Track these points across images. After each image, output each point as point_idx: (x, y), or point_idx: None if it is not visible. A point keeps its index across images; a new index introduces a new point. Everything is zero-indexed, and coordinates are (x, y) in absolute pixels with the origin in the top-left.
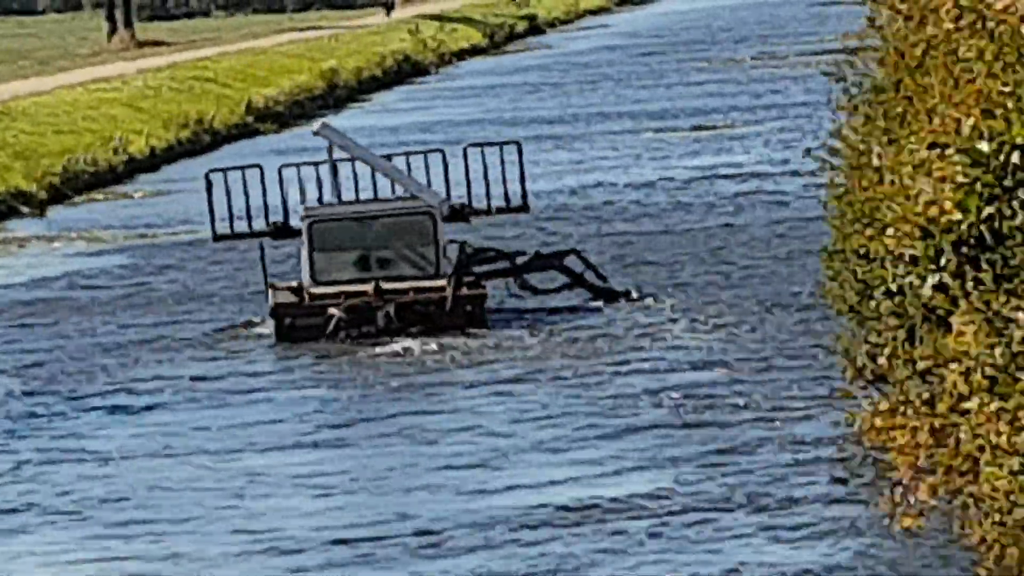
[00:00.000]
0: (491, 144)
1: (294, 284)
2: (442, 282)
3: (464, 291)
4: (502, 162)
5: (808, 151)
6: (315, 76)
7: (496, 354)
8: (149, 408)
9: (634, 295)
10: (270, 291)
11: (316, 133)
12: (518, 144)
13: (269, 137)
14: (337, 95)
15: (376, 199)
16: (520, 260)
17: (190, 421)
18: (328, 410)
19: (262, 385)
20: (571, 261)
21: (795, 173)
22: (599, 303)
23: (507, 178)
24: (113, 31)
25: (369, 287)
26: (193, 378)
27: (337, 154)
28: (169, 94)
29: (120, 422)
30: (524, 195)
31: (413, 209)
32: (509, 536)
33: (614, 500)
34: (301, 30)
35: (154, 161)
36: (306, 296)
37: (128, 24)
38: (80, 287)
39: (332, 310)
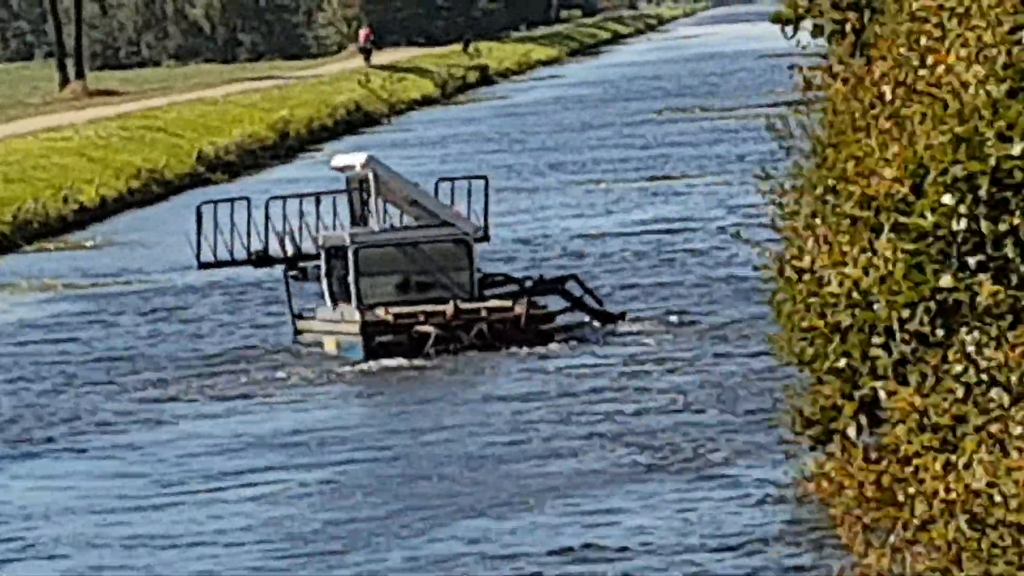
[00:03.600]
0: (461, 178)
1: (319, 311)
2: (508, 303)
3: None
4: (469, 195)
5: (738, 233)
6: (266, 126)
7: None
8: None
9: (628, 317)
10: (296, 320)
11: (363, 166)
12: (485, 179)
13: (221, 186)
14: (288, 145)
15: (413, 227)
16: (527, 284)
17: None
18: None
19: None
20: (571, 286)
21: (753, 223)
22: (596, 324)
23: (472, 209)
24: (65, 81)
25: (448, 307)
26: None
27: (384, 186)
28: (120, 143)
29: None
30: (486, 226)
31: (450, 236)
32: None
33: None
34: (253, 80)
35: (105, 210)
36: (390, 317)
37: (79, 74)
38: (29, 336)
39: (427, 328)
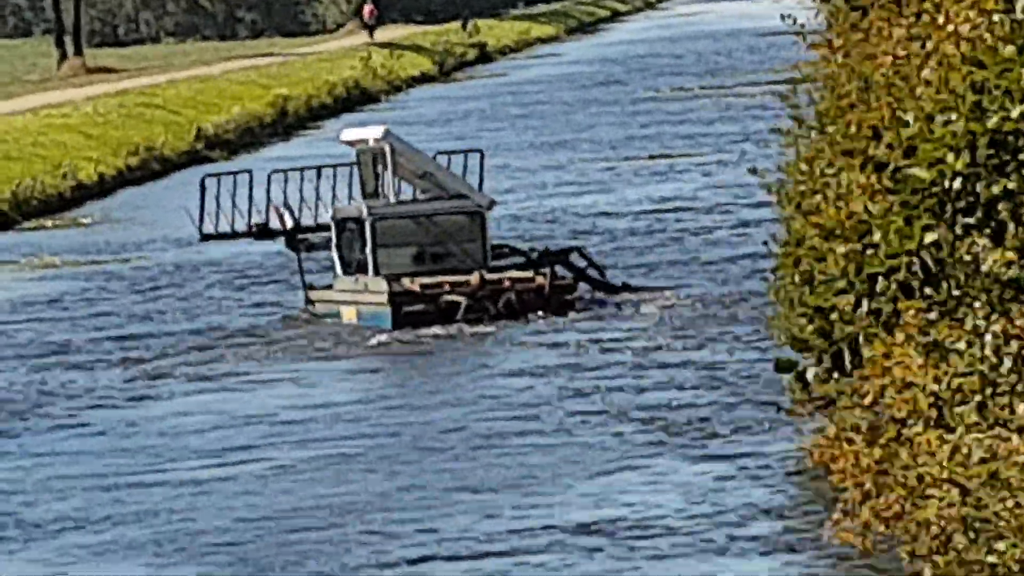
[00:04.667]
0: (457, 152)
1: (336, 281)
2: (529, 273)
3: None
4: (464, 169)
5: (754, 170)
6: (265, 103)
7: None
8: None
9: (631, 287)
10: (308, 291)
11: (379, 140)
12: (481, 152)
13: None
14: (287, 122)
15: (428, 199)
16: (532, 255)
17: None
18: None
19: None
20: (575, 257)
21: (752, 203)
22: (600, 294)
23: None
24: (63, 58)
25: (474, 277)
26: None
27: (400, 158)
28: (118, 121)
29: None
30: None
31: (463, 208)
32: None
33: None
34: (252, 57)
35: (103, 188)
36: (417, 286)
37: (78, 51)
38: (29, 313)
39: (455, 297)
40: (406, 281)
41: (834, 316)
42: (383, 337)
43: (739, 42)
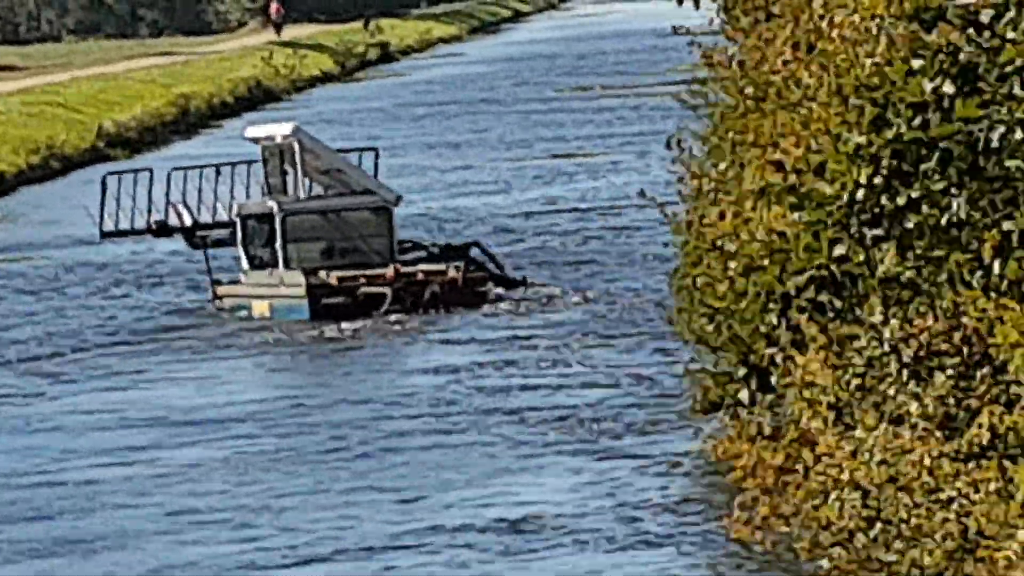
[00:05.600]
0: (351, 150)
1: (245, 276)
2: (442, 266)
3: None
4: (358, 166)
5: (642, 192)
6: (167, 102)
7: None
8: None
9: (529, 282)
10: (215, 286)
11: (287, 136)
12: (375, 150)
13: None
14: (189, 121)
15: (337, 194)
16: (433, 250)
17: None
18: None
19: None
20: (475, 252)
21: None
22: (499, 289)
23: None
24: None
25: (388, 270)
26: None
27: (308, 155)
28: (20, 119)
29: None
30: None
31: (371, 204)
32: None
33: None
34: (154, 56)
35: (3, 186)
36: (334, 279)
37: None
38: None
39: (379, 289)
40: (323, 274)
41: (755, 343)
42: (297, 330)
43: (642, 42)
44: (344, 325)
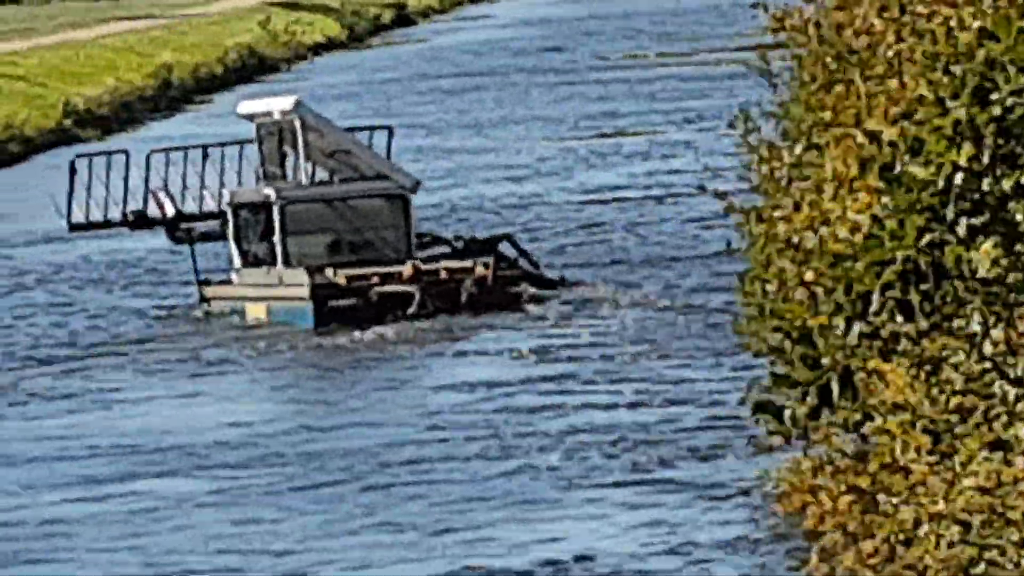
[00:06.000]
0: (362, 128)
1: (238, 275)
2: (468, 263)
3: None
4: (369, 146)
5: (702, 187)
6: (146, 74)
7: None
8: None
9: (566, 282)
10: (203, 287)
11: (287, 112)
12: (389, 128)
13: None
14: (171, 96)
15: (345, 180)
16: (457, 245)
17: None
18: None
19: None
20: (504, 247)
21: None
22: (532, 289)
23: None
24: None
25: (406, 268)
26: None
27: (312, 135)
28: None
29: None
30: None
31: (385, 191)
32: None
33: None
34: (130, 19)
35: None
36: (342, 279)
37: None
38: None
39: (410, 288)
40: (329, 272)
41: (821, 341)
42: (298, 338)
43: (694, 2)
44: (355, 332)
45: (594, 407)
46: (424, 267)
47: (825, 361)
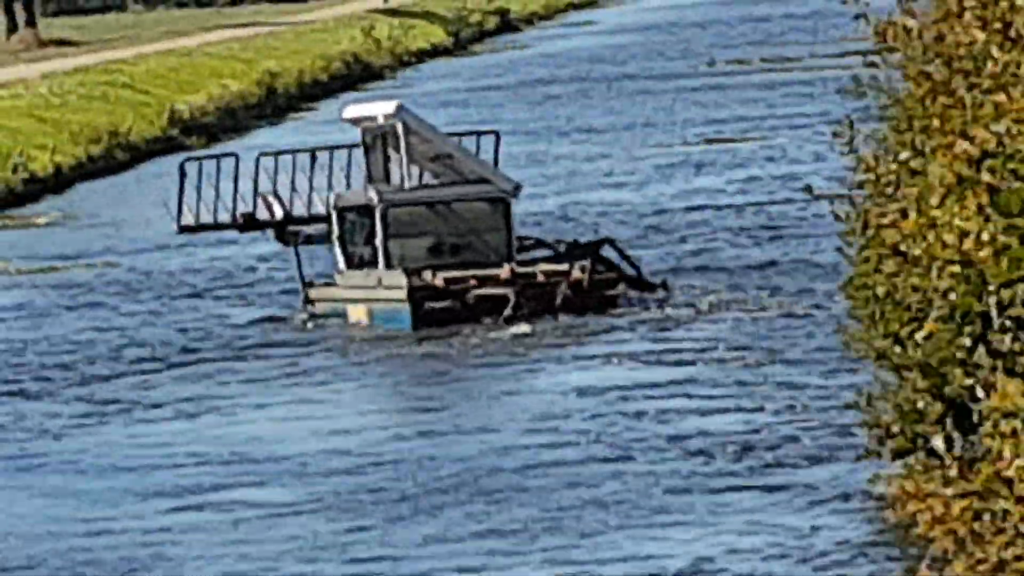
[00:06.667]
0: (468, 134)
1: (341, 277)
2: (564, 266)
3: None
4: (477, 152)
5: (808, 188)
6: (250, 81)
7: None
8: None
9: (669, 286)
10: (307, 289)
11: (389, 117)
12: (496, 134)
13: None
14: (276, 103)
15: (446, 184)
16: (560, 248)
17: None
18: None
19: None
20: (606, 251)
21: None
22: (634, 293)
23: None
24: (13, 29)
25: (503, 271)
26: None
27: (414, 139)
28: (78, 102)
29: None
30: None
31: (486, 194)
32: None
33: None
34: (234, 27)
35: (61, 181)
36: (440, 281)
37: (30, 21)
38: None
39: (504, 291)
40: (427, 275)
41: (947, 370)
42: (397, 340)
43: (806, 6)
44: (454, 335)
45: (701, 412)
46: (521, 270)
47: (947, 390)
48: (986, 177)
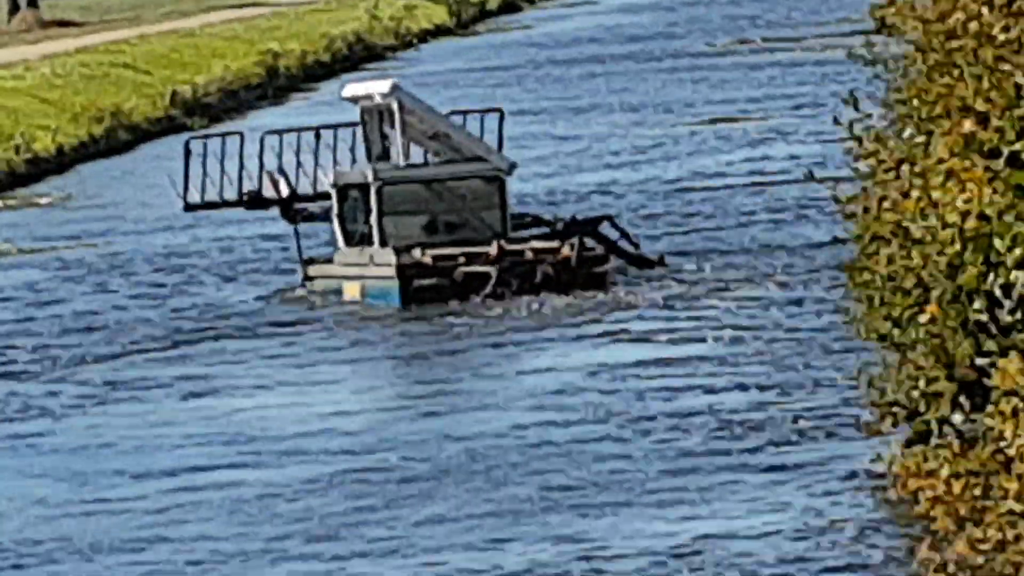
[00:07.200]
0: (473, 111)
1: (337, 254)
2: (554, 243)
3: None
4: (481, 129)
5: (810, 173)
6: (252, 62)
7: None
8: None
9: (667, 262)
10: (307, 266)
11: (385, 95)
12: (500, 111)
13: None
14: (278, 84)
15: (441, 162)
16: (558, 226)
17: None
18: None
19: None
20: (605, 227)
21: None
22: (632, 269)
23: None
24: (14, 10)
25: (492, 248)
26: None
27: (410, 117)
28: (80, 83)
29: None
30: None
31: (481, 172)
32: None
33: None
34: (236, 7)
35: (63, 161)
36: (428, 258)
37: (32, 2)
38: None
39: (486, 268)
40: (416, 252)
41: (955, 349)
42: (386, 316)
43: None
44: (443, 312)
45: (700, 389)
46: (510, 247)
47: (955, 371)
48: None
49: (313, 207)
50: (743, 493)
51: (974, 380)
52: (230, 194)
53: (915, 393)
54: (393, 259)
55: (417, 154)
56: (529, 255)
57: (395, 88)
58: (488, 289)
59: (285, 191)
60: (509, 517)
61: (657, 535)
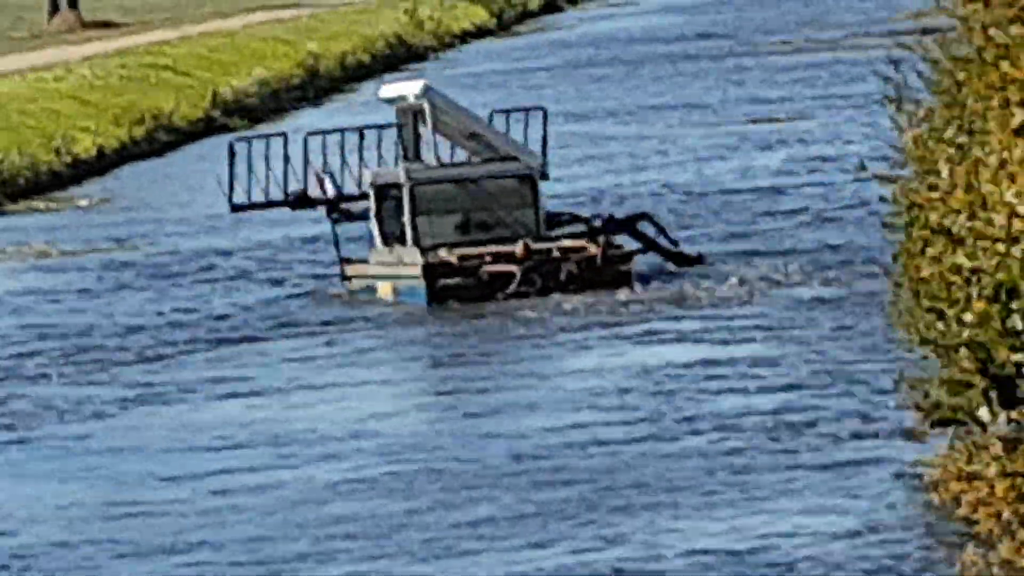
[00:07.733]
0: (517, 110)
1: (372, 254)
2: (581, 242)
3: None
4: (526, 128)
5: (862, 165)
6: (293, 63)
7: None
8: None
9: (706, 260)
10: (344, 266)
11: (418, 96)
12: (544, 110)
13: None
14: (318, 85)
15: (474, 161)
16: (595, 224)
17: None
18: None
19: None
20: (643, 225)
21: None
22: (671, 266)
23: (529, 145)
24: (55, 10)
25: (518, 247)
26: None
27: (442, 117)
28: (120, 84)
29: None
30: (544, 162)
31: (513, 171)
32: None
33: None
34: (276, 8)
35: (103, 163)
36: (454, 258)
37: (72, 2)
38: (19, 311)
39: (510, 267)
40: (443, 251)
41: (996, 347)
42: (413, 315)
43: None
44: (471, 312)
45: (741, 390)
46: (537, 246)
47: (992, 367)
48: None
49: (354, 207)
50: (786, 495)
51: (1015, 380)
52: (276, 195)
53: (958, 395)
54: (419, 258)
55: (452, 154)
56: (556, 254)
57: (427, 89)
58: (512, 288)
59: (331, 191)
60: (555, 518)
61: (703, 536)
